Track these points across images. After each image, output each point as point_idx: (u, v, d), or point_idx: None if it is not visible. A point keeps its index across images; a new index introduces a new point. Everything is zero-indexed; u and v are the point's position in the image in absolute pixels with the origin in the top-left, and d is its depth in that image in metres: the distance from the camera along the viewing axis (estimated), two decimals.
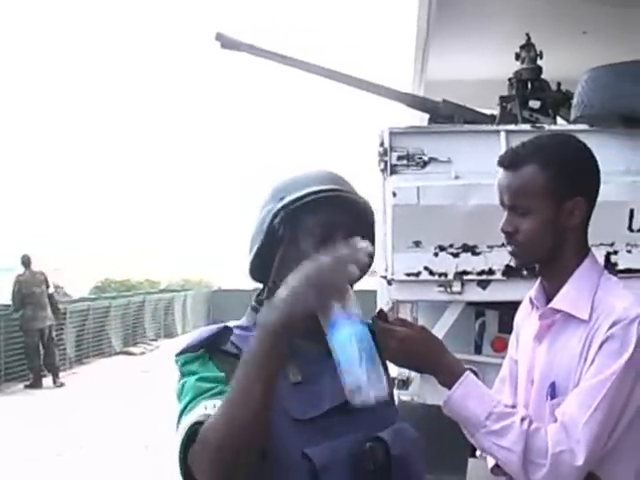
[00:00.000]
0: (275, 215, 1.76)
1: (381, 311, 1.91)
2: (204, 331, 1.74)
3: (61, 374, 13.47)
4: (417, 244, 4.35)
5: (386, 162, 4.47)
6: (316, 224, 1.77)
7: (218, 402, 1.55)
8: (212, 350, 1.70)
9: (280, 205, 1.76)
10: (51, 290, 13.47)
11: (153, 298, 21.69)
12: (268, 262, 1.79)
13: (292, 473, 1.61)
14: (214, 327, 1.74)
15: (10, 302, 13.26)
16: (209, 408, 1.55)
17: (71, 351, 15.39)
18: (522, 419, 1.85)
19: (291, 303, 1.51)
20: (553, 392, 1.94)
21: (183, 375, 1.70)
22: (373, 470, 1.67)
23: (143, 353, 17.97)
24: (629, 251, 4.32)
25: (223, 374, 1.64)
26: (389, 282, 4.42)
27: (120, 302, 18.79)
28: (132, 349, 18.20)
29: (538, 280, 2.11)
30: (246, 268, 1.85)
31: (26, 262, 13.20)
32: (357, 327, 1.57)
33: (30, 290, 12.94)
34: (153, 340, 20.08)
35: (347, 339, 1.55)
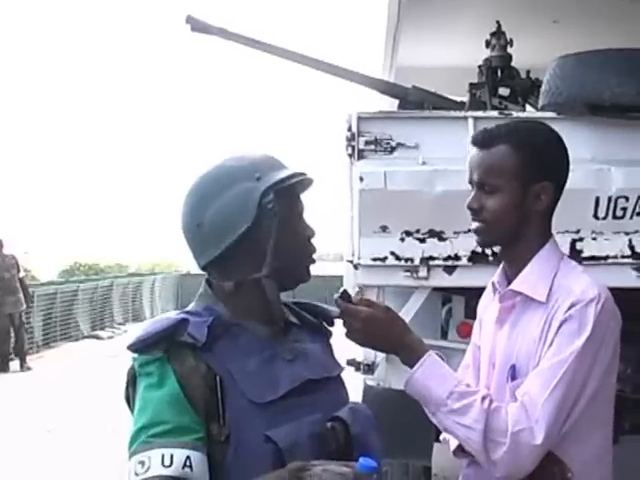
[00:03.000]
0: (263, 194, 1.73)
1: (345, 292, 1.92)
2: (158, 324, 1.68)
3: (28, 358, 13.38)
4: (384, 229, 4.35)
5: (353, 147, 4.45)
6: (299, 205, 1.82)
7: (176, 454, 1.54)
8: (169, 349, 1.65)
9: (269, 184, 1.74)
10: (22, 274, 13.31)
11: (121, 282, 21.60)
12: (249, 242, 1.74)
13: (257, 457, 1.61)
14: (170, 320, 1.69)
15: None
16: (166, 460, 1.54)
17: (38, 335, 15.31)
18: (483, 398, 1.88)
19: None
20: (514, 374, 1.96)
21: (140, 376, 1.66)
22: (335, 449, 1.69)
23: (111, 337, 17.89)
24: (594, 238, 4.34)
25: (179, 390, 1.61)
26: (355, 267, 4.42)
27: (88, 286, 18.70)
28: (100, 333, 18.13)
29: (501, 265, 2.14)
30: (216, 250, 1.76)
31: None
32: None
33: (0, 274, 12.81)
34: (121, 324, 20.04)
35: None
